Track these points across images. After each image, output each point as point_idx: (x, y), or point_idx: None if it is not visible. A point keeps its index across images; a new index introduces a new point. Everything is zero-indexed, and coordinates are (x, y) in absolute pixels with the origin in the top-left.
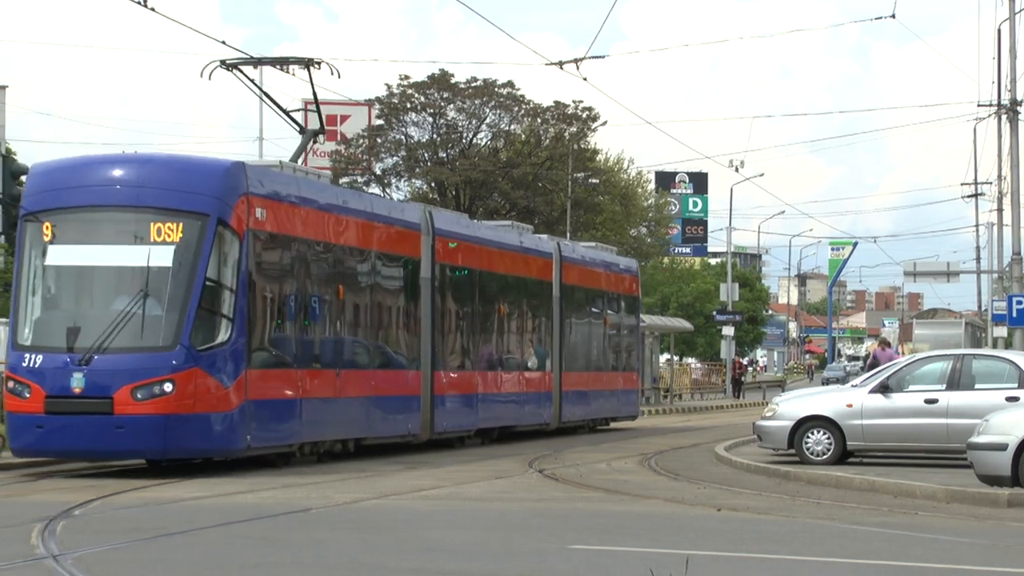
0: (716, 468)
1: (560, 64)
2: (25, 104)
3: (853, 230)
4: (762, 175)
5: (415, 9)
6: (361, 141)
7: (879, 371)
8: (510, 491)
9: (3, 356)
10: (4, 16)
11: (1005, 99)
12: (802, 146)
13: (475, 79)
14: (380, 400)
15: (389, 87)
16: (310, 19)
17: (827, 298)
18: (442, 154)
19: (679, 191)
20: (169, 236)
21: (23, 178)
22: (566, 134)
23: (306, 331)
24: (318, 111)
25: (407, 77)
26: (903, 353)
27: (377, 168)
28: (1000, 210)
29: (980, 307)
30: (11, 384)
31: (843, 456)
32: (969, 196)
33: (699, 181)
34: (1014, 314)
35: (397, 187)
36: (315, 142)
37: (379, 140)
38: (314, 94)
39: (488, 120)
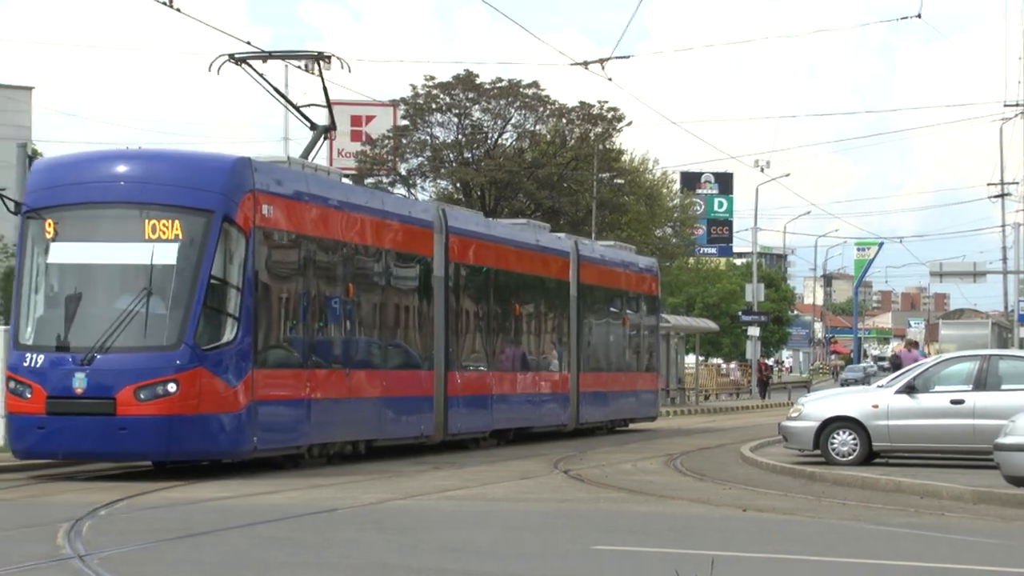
0: (742, 469)
1: (585, 64)
2: (51, 105)
3: (879, 230)
4: (788, 175)
5: (439, 9)
6: (386, 141)
7: (905, 372)
8: (535, 492)
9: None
10: (30, 18)
11: None
12: (828, 146)
13: (500, 79)
14: (392, 401)
15: (414, 87)
16: (334, 19)
17: (853, 298)
18: (467, 154)
19: (704, 191)
20: (173, 233)
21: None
22: (591, 134)
23: (315, 330)
24: (328, 107)
25: (432, 77)
26: (929, 354)
27: (402, 169)
28: None
29: (1007, 307)
30: (12, 384)
31: (869, 457)
32: (996, 196)
33: (724, 181)
34: None
35: (422, 188)
36: (326, 138)
37: (404, 140)
38: (324, 89)
39: (513, 120)
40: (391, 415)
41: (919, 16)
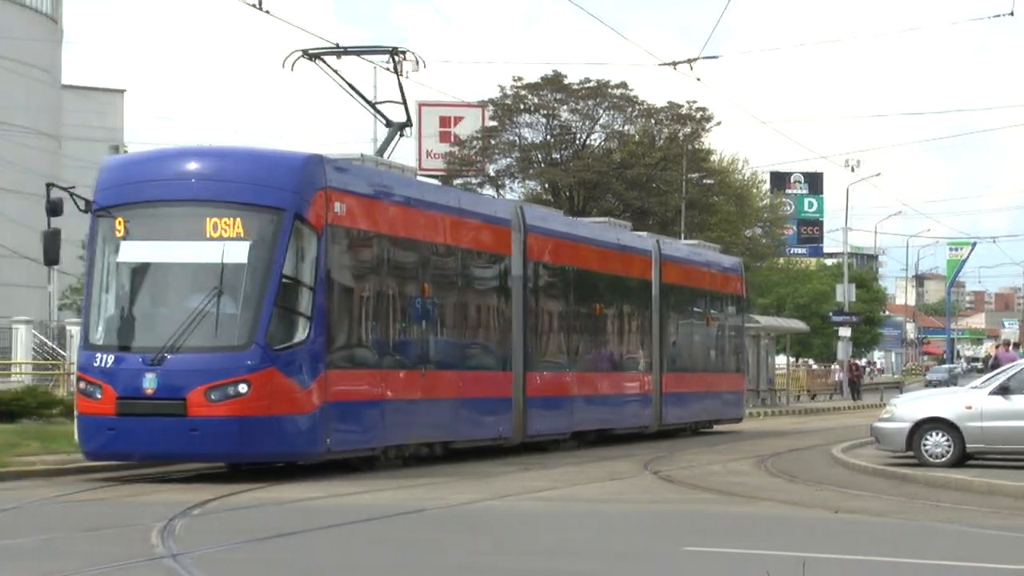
0: (832, 470)
1: (673, 64)
2: (145, 108)
3: (972, 230)
4: (879, 175)
5: (527, 10)
6: (474, 142)
7: (999, 373)
8: (625, 493)
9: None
10: (123, 22)
11: None
12: (919, 145)
13: (588, 80)
14: (468, 401)
15: (502, 88)
16: (423, 20)
17: (945, 299)
18: (555, 155)
19: (794, 191)
20: (244, 232)
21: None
22: (680, 135)
23: (389, 330)
24: (404, 103)
25: (520, 78)
26: None
27: (490, 169)
28: None
29: None
30: (82, 384)
31: (962, 458)
32: None
33: (814, 181)
34: None
35: (511, 188)
36: (402, 135)
37: (492, 141)
38: (400, 86)
39: (601, 121)
40: (468, 416)
41: (1011, 14)
